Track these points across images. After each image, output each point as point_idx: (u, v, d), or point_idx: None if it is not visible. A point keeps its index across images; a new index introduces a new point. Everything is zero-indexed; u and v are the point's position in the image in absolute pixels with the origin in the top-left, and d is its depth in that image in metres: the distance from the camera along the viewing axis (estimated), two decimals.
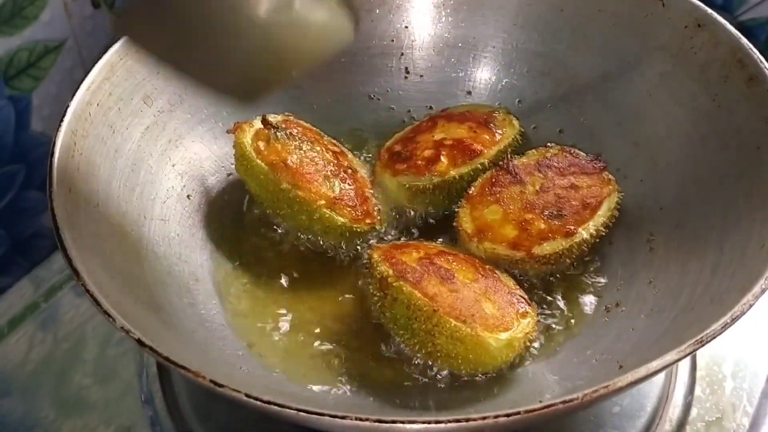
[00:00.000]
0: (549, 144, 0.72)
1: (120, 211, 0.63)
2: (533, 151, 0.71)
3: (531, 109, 0.76)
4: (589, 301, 0.64)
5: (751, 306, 0.49)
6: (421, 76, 0.80)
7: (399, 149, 0.72)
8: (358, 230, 0.67)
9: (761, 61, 0.62)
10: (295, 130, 0.69)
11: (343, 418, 0.45)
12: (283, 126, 0.68)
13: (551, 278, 0.65)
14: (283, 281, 0.67)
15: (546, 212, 0.65)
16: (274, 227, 0.69)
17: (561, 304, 0.64)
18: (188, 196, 0.69)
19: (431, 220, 0.70)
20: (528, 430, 0.57)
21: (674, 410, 0.63)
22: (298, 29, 0.51)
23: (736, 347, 0.67)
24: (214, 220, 0.70)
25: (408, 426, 0.45)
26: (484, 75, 0.79)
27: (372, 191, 0.70)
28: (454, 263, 0.62)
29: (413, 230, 0.70)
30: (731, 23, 0.66)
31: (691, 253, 0.60)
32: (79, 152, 0.60)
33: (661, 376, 0.65)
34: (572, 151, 0.70)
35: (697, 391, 0.65)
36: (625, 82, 0.72)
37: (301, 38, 0.51)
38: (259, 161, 0.66)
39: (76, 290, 0.74)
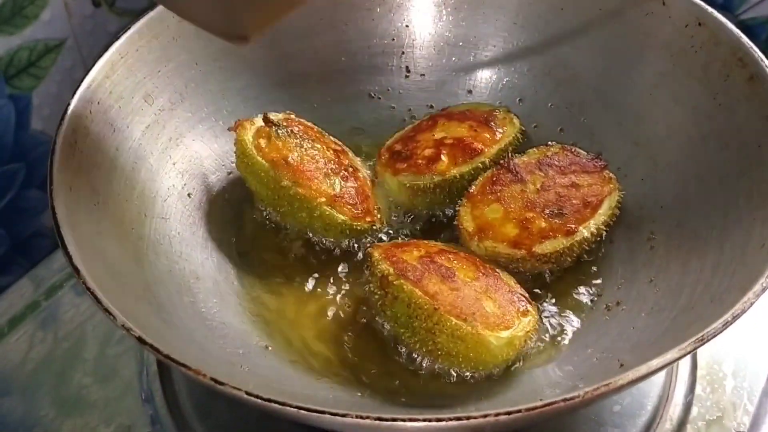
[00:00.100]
0: (550, 143, 0.72)
1: (121, 209, 0.63)
2: (534, 149, 0.71)
3: (532, 107, 0.76)
4: (589, 299, 0.64)
5: (751, 304, 0.50)
6: (422, 75, 0.80)
7: (399, 148, 0.72)
8: (359, 228, 0.67)
9: (762, 60, 0.62)
10: (297, 128, 0.69)
11: (343, 416, 0.45)
12: (285, 124, 0.69)
13: (552, 277, 0.65)
14: (283, 279, 0.67)
15: (547, 211, 0.65)
16: (275, 225, 0.69)
17: (561, 302, 0.64)
18: (189, 195, 0.69)
19: (432, 219, 0.70)
20: (529, 428, 0.57)
21: (675, 409, 0.63)
22: None
23: (737, 346, 0.67)
24: (215, 219, 0.70)
25: (408, 424, 0.45)
26: (484, 74, 0.79)
27: (372, 190, 0.70)
28: (455, 262, 0.62)
29: (414, 229, 0.70)
30: (732, 22, 0.66)
31: (692, 252, 0.60)
32: (80, 150, 0.60)
33: (662, 375, 0.65)
34: (573, 150, 0.70)
35: (698, 389, 0.65)
36: (626, 81, 0.72)
37: None
38: (260, 158, 0.66)
39: (76, 289, 0.74)
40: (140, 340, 0.49)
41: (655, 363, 0.47)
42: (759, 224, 0.56)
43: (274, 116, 0.69)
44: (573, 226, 0.64)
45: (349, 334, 0.63)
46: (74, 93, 0.62)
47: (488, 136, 0.71)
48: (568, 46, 0.75)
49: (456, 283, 0.59)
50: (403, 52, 0.80)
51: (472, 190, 0.68)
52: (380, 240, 0.68)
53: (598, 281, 0.65)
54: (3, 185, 0.78)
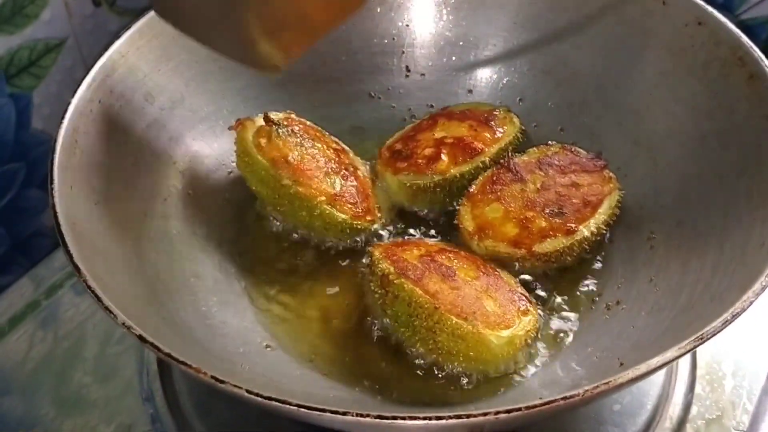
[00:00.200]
0: (550, 142, 0.72)
1: (121, 208, 0.63)
2: (534, 149, 0.71)
3: (532, 107, 0.76)
4: (589, 299, 0.64)
5: (751, 303, 0.50)
6: (422, 74, 0.80)
7: (400, 147, 0.72)
8: (359, 227, 0.67)
9: (762, 60, 0.62)
10: (297, 128, 0.69)
11: (344, 414, 0.45)
12: (285, 123, 0.69)
13: (552, 276, 0.65)
14: (283, 278, 0.67)
15: (547, 210, 0.66)
16: (275, 224, 0.69)
17: (561, 301, 0.64)
18: (189, 194, 0.69)
19: (432, 218, 0.70)
20: (529, 427, 0.57)
21: (674, 408, 0.63)
22: None
23: (737, 345, 0.67)
24: (215, 218, 0.70)
25: (409, 422, 0.45)
26: (485, 73, 0.79)
27: (373, 189, 0.70)
28: (456, 261, 0.62)
29: (414, 228, 0.70)
30: (732, 21, 0.66)
31: (692, 252, 0.60)
32: (81, 149, 0.61)
33: (662, 374, 0.65)
34: (573, 149, 0.70)
35: (698, 389, 0.65)
36: (626, 81, 0.72)
37: None
38: (260, 157, 0.66)
39: (77, 288, 0.74)
40: (141, 338, 0.49)
41: (655, 362, 0.47)
42: (759, 224, 0.56)
43: (274, 115, 0.69)
44: (573, 225, 0.64)
45: (349, 333, 0.63)
46: (75, 92, 0.62)
47: (488, 135, 0.72)
48: (568, 45, 0.75)
49: (456, 282, 0.59)
50: (403, 52, 0.80)
51: (472, 190, 0.68)
52: (380, 239, 0.68)
53: (598, 280, 0.65)
54: (3, 185, 0.78)
